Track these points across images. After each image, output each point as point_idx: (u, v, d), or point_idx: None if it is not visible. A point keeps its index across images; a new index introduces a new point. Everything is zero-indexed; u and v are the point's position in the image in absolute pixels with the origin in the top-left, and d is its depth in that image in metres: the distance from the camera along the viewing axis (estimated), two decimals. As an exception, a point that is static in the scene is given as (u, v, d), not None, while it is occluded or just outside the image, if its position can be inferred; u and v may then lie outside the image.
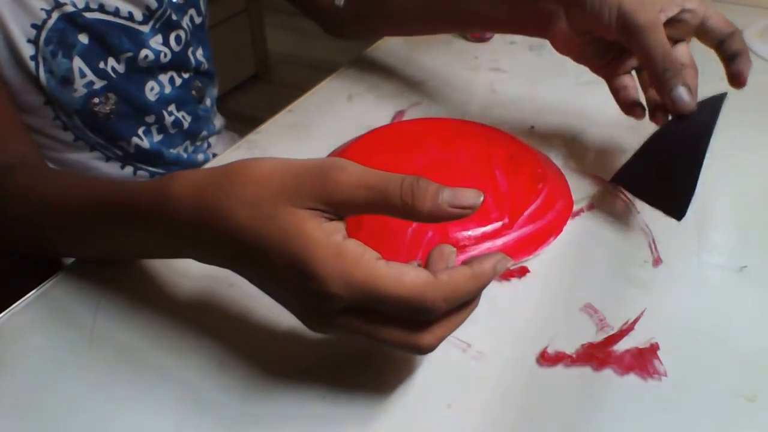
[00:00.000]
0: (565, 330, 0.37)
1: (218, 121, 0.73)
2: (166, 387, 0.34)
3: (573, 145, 0.55)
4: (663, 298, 0.40)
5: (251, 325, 0.38)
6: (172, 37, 0.58)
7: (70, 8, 0.49)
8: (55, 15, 0.49)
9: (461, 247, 0.42)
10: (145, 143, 0.60)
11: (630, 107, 0.47)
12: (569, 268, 0.42)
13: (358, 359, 0.36)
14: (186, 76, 0.62)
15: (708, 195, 0.50)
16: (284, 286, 0.29)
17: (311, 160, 0.29)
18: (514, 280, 0.41)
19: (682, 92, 0.41)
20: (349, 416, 0.33)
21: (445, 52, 0.74)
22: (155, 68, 0.58)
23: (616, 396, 0.34)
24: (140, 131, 0.59)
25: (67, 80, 0.51)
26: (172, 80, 0.61)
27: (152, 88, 0.59)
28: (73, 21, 0.50)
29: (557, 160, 0.53)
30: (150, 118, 0.59)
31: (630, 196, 0.49)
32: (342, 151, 0.53)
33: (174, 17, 0.58)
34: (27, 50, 0.49)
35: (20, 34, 0.48)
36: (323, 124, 0.59)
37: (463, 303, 0.29)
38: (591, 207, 0.48)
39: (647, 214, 0.47)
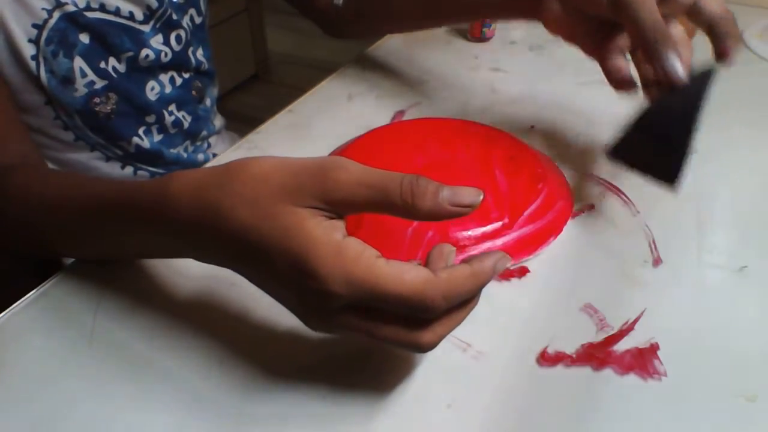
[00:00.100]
0: (565, 330, 0.37)
1: (218, 122, 0.73)
2: (166, 386, 0.34)
3: (573, 145, 0.55)
4: (663, 298, 0.40)
5: (251, 324, 0.38)
6: (172, 36, 0.58)
7: (71, 8, 0.49)
8: (56, 14, 0.49)
9: (461, 247, 0.42)
10: (146, 143, 0.60)
11: (621, 83, 0.45)
12: (569, 268, 0.42)
13: (358, 359, 0.36)
14: (186, 76, 0.62)
15: (708, 195, 0.50)
16: (284, 284, 0.29)
17: (311, 158, 0.29)
18: (514, 280, 0.41)
19: (674, 61, 0.40)
20: (350, 416, 0.33)
21: (445, 52, 0.74)
22: (156, 68, 0.58)
23: (616, 396, 0.34)
24: (140, 131, 0.59)
25: (68, 80, 0.51)
26: (172, 80, 0.61)
27: (153, 88, 0.59)
28: (74, 20, 0.50)
29: (557, 160, 0.53)
30: (150, 118, 0.59)
31: (629, 196, 0.49)
32: (342, 151, 0.53)
33: (174, 17, 0.58)
34: (28, 50, 0.49)
35: (21, 34, 0.48)
36: (323, 124, 0.59)
37: (463, 301, 0.29)
38: (591, 207, 0.48)
39: (647, 214, 0.47)
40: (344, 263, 0.27)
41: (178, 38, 0.59)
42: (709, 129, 0.58)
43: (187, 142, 0.66)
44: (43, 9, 0.48)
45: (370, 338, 0.29)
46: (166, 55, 0.58)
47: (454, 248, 0.31)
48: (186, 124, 0.64)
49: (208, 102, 0.68)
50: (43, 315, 0.39)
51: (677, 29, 0.44)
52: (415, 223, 0.43)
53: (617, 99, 0.64)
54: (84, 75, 0.52)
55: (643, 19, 0.39)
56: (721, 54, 0.43)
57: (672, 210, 0.48)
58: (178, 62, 0.60)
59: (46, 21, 0.49)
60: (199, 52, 0.64)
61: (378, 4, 0.64)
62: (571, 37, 0.48)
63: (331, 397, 0.34)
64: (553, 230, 0.45)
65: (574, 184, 0.50)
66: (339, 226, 0.28)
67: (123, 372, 0.35)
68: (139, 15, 0.55)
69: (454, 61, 0.71)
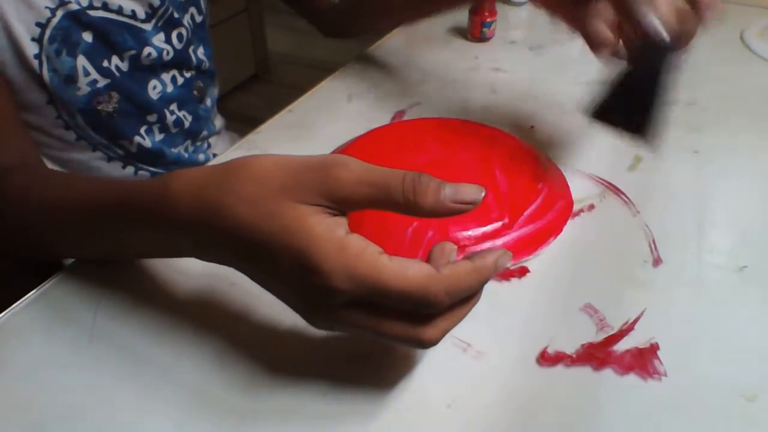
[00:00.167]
0: (565, 330, 0.37)
1: (218, 122, 0.73)
2: (167, 384, 0.34)
3: (573, 145, 0.55)
4: (663, 298, 0.40)
5: (252, 323, 0.38)
6: (174, 34, 0.58)
7: (74, 6, 0.49)
8: (59, 13, 0.49)
9: (461, 247, 0.42)
10: (147, 142, 0.60)
11: (599, 45, 0.45)
12: (569, 268, 0.42)
13: (358, 359, 0.36)
14: (188, 75, 0.63)
15: (708, 195, 0.50)
16: (287, 281, 0.29)
17: (313, 156, 0.29)
18: (514, 280, 0.41)
19: (652, 19, 0.41)
20: (350, 415, 0.33)
21: (445, 52, 0.74)
22: (158, 66, 0.58)
23: (616, 396, 0.34)
24: (142, 130, 0.59)
25: (70, 79, 0.51)
26: (174, 79, 0.61)
27: (155, 87, 0.59)
28: (78, 19, 0.50)
29: (557, 160, 0.53)
30: (152, 117, 0.59)
31: (629, 196, 0.49)
32: (342, 151, 0.53)
33: (176, 15, 0.58)
34: (31, 49, 0.49)
35: (24, 33, 0.48)
36: (323, 124, 0.59)
37: (465, 297, 0.29)
38: (591, 207, 0.48)
39: (647, 214, 0.47)
40: (347, 259, 0.27)
41: (180, 36, 0.59)
42: (709, 129, 0.59)
43: (188, 142, 0.65)
44: (46, 7, 0.48)
45: (373, 334, 0.29)
46: (168, 53, 0.58)
47: (455, 246, 0.31)
48: (187, 124, 0.64)
49: (208, 102, 0.68)
50: (43, 315, 0.39)
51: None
52: (415, 223, 0.43)
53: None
54: (87, 74, 0.52)
55: None
56: (697, 8, 0.45)
57: (672, 210, 0.48)
58: (180, 61, 0.60)
59: (49, 19, 0.49)
60: (200, 51, 0.64)
61: (372, 2, 0.64)
62: (553, 6, 0.48)
63: (332, 395, 0.34)
64: (553, 230, 0.45)
65: (574, 184, 0.50)
66: (342, 222, 0.28)
67: (123, 371, 0.35)
68: (141, 13, 0.55)
69: (454, 61, 0.71)
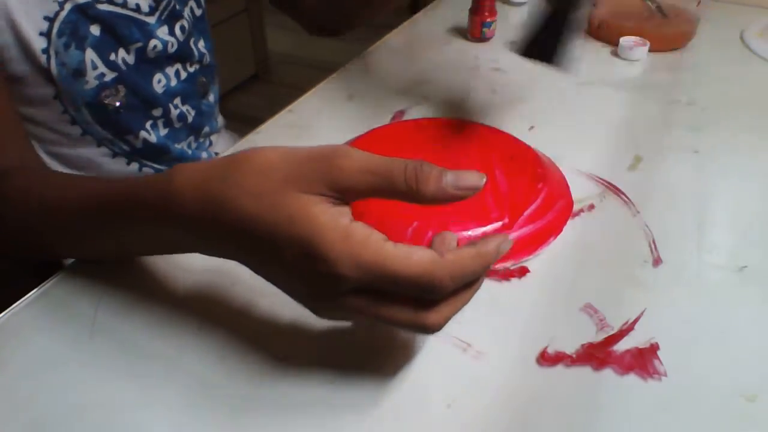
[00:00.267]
0: (565, 330, 0.37)
1: (219, 121, 0.73)
2: (169, 380, 0.34)
3: (573, 145, 0.55)
4: (663, 298, 0.40)
5: (254, 317, 0.38)
6: (177, 27, 0.59)
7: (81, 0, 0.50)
8: (67, 6, 0.49)
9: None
10: (152, 137, 0.60)
11: None
12: (569, 268, 0.42)
13: (358, 356, 0.36)
14: (191, 69, 0.63)
15: (708, 195, 0.50)
16: (292, 271, 0.29)
17: (315, 147, 0.29)
18: (514, 280, 0.41)
19: None
20: (349, 416, 0.33)
21: (445, 52, 0.74)
22: (162, 59, 0.59)
23: (616, 396, 0.34)
24: (148, 125, 0.60)
25: (79, 72, 0.52)
26: (177, 73, 0.61)
27: (159, 80, 0.59)
28: (85, 12, 0.51)
29: (557, 160, 0.53)
30: (157, 111, 0.60)
31: (629, 196, 0.49)
32: (342, 151, 0.53)
33: (177, 7, 0.59)
34: (39, 43, 0.49)
35: (31, 28, 0.48)
36: (323, 124, 0.59)
37: (468, 283, 0.29)
38: (591, 207, 0.48)
39: (647, 214, 0.47)
40: (352, 246, 0.27)
41: (182, 28, 0.60)
42: (709, 129, 0.59)
43: (191, 138, 0.66)
44: (54, 1, 0.49)
45: (378, 321, 0.29)
46: (172, 45, 0.59)
47: (456, 236, 0.32)
48: (190, 118, 0.64)
49: (211, 98, 0.69)
50: (43, 314, 0.39)
51: None
52: (415, 223, 0.43)
53: (617, 99, 0.65)
54: (95, 67, 0.53)
55: None
56: None
57: (672, 210, 0.48)
58: (183, 54, 0.61)
59: (57, 13, 0.49)
60: (201, 44, 0.64)
61: None
62: None
63: (331, 396, 0.34)
64: (553, 230, 0.45)
65: (574, 184, 0.50)
66: (345, 211, 0.28)
67: (124, 369, 0.35)
68: (144, 6, 0.55)
69: (454, 61, 0.71)
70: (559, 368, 0.35)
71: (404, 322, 0.29)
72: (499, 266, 0.42)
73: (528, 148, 0.53)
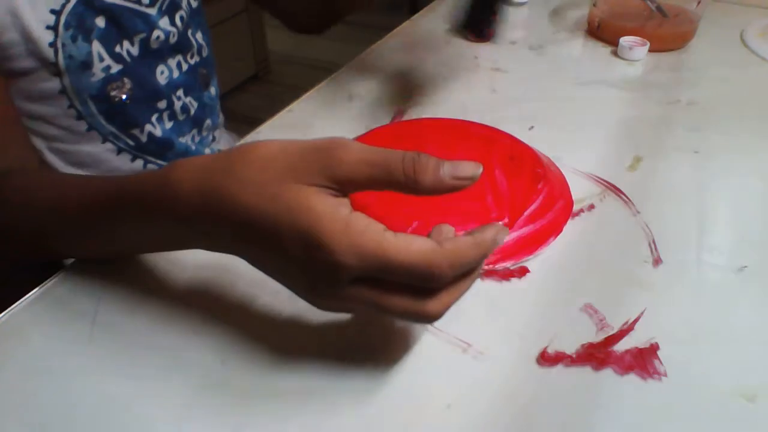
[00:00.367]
0: (565, 330, 0.37)
1: (221, 123, 0.74)
2: (169, 377, 0.34)
3: (573, 145, 0.55)
4: (663, 298, 0.40)
5: (253, 313, 0.38)
6: (177, 17, 0.60)
7: None
8: None
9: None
10: (158, 131, 0.61)
11: None
12: (569, 268, 0.42)
13: (358, 357, 0.36)
14: (191, 61, 0.64)
15: (708, 195, 0.50)
16: (292, 262, 0.29)
17: (314, 139, 0.29)
18: (514, 280, 0.41)
19: None
20: (349, 416, 0.33)
21: (445, 52, 0.74)
22: (164, 51, 0.59)
23: (616, 396, 0.34)
24: (153, 118, 0.60)
25: (86, 65, 0.52)
26: (179, 65, 0.62)
27: (162, 72, 0.60)
28: (91, 4, 0.51)
29: (557, 160, 0.53)
30: (162, 104, 0.60)
31: (629, 196, 0.49)
32: (342, 151, 0.53)
33: None
34: (45, 37, 0.49)
35: (38, 22, 0.49)
36: (323, 124, 0.59)
37: (466, 272, 0.30)
38: (591, 207, 0.48)
39: (647, 214, 0.47)
40: (352, 236, 0.27)
41: (181, 18, 0.61)
42: (709, 129, 0.59)
43: (194, 131, 0.66)
44: None
45: (378, 311, 0.29)
46: (173, 36, 0.59)
47: (453, 228, 0.32)
48: (193, 111, 0.65)
49: (212, 91, 0.69)
50: (44, 313, 0.39)
51: None
52: (415, 223, 0.43)
53: (617, 99, 0.65)
54: (101, 59, 0.53)
55: None
56: None
57: (672, 210, 0.48)
58: (183, 44, 0.62)
59: (63, 6, 0.50)
60: (199, 36, 0.65)
61: None
62: None
63: (331, 396, 0.34)
64: (553, 230, 0.45)
65: (574, 184, 0.50)
66: (345, 202, 0.29)
67: (126, 367, 0.35)
68: None
69: (454, 61, 0.71)
70: (559, 368, 0.35)
71: (404, 311, 0.29)
72: (499, 266, 0.42)
73: (528, 148, 0.53)
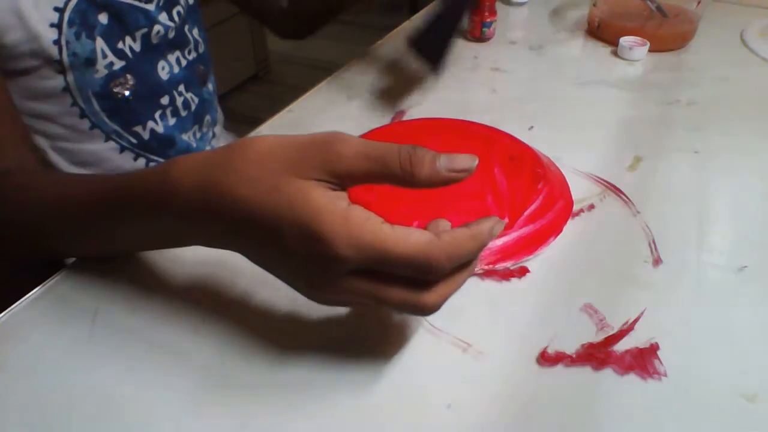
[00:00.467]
0: (565, 330, 0.37)
1: (220, 119, 0.74)
2: (171, 371, 0.34)
3: (573, 145, 0.55)
4: (663, 298, 0.40)
5: (253, 309, 0.38)
6: (174, 12, 0.60)
7: None
8: None
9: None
10: (160, 127, 0.61)
11: None
12: (569, 268, 0.42)
13: (358, 352, 0.36)
14: (189, 57, 0.64)
15: (708, 195, 0.50)
16: (291, 255, 0.29)
17: (311, 134, 0.29)
18: (514, 280, 0.41)
19: None
20: (348, 415, 0.33)
21: (445, 52, 0.74)
22: (164, 46, 0.60)
23: (616, 396, 0.34)
24: (157, 115, 0.61)
25: (90, 62, 0.53)
26: (178, 61, 0.63)
27: (163, 67, 0.60)
28: (93, 1, 0.52)
29: (557, 160, 0.53)
30: (164, 100, 0.61)
31: (629, 196, 0.49)
32: (342, 151, 0.53)
33: None
34: (49, 35, 0.50)
35: (42, 21, 0.49)
36: (323, 124, 0.59)
37: (463, 265, 0.30)
38: (591, 207, 0.48)
39: (647, 214, 0.47)
40: (351, 228, 0.27)
41: (179, 14, 0.61)
42: (709, 129, 0.59)
43: (196, 127, 0.67)
44: None
45: (376, 303, 0.29)
46: (172, 31, 0.60)
47: (450, 222, 0.32)
48: (194, 106, 0.65)
49: (210, 87, 0.70)
50: (44, 313, 0.39)
51: None
52: (416, 223, 0.43)
53: (617, 99, 0.65)
54: (104, 56, 0.54)
55: None
56: None
57: (672, 210, 0.48)
58: (181, 40, 0.62)
59: (67, 3, 0.50)
60: (195, 32, 0.65)
61: (311, 5, 0.72)
62: None
63: (331, 396, 0.34)
64: (553, 230, 0.45)
65: (574, 184, 0.50)
66: (343, 196, 0.29)
67: (126, 365, 0.35)
68: None
69: (454, 61, 0.71)
70: (559, 368, 0.35)
71: (402, 303, 0.29)
72: (499, 266, 0.42)
73: (528, 148, 0.53)
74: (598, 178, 0.51)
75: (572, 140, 0.56)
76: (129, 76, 0.56)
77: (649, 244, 0.44)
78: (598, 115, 0.61)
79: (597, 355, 0.36)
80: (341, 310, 0.38)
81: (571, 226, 0.46)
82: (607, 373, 0.35)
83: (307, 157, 0.28)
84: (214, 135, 0.72)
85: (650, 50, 0.72)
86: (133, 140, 0.60)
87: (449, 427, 0.32)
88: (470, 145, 0.52)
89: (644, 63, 0.72)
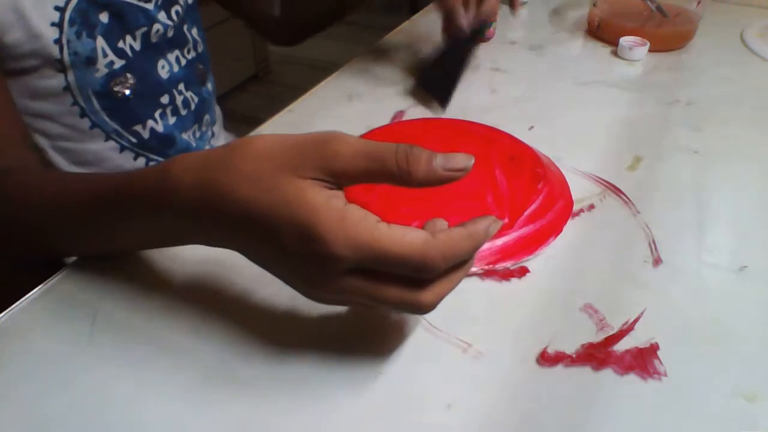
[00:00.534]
0: (565, 330, 0.37)
1: (218, 118, 0.74)
2: (171, 369, 0.34)
3: (573, 145, 0.55)
4: (663, 298, 0.40)
5: (252, 306, 0.38)
6: (173, 11, 0.61)
7: None
8: None
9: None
10: (160, 126, 0.61)
11: (448, 29, 0.63)
12: (569, 268, 0.42)
13: (357, 350, 0.36)
14: (189, 56, 0.64)
15: (708, 195, 0.50)
16: (288, 254, 0.29)
17: (309, 133, 0.30)
18: (514, 280, 0.41)
19: (460, 20, 0.61)
20: (350, 413, 0.33)
21: (445, 52, 0.74)
22: (163, 45, 0.60)
23: (616, 396, 0.34)
24: (157, 114, 0.61)
25: (91, 61, 0.53)
26: (178, 60, 0.63)
27: (163, 66, 0.61)
28: (93, 0, 0.52)
29: (557, 160, 0.53)
30: (164, 99, 0.61)
31: (629, 196, 0.49)
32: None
33: None
34: (50, 34, 0.50)
35: (43, 20, 0.49)
36: (323, 124, 0.59)
37: (459, 264, 0.30)
38: (591, 207, 0.48)
39: (647, 214, 0.47)
40: (347, 227, 0.27)
41: (177, 13, 0.61)
42: (709, 129, 0.59)
43: (195, 126, 0.67)
44: None
45: (373, 302, 0.30)
46: (171, 30, 0.60)
47: (446, 222, 0.32)
48: (193, 105, 0.65)
49: (209, 86, 0.70)
50: (45, 312, 0.39)
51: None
52: (415, 223, 0.43)
53: (617, 99, 0.65)
54: (105, 55, 0.54)
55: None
56: (512, 5, 0.68)
57: (672, 210, 0.48)
58: (180, 39, 0.62)
59: (68, 2, 0.50)
60: (194, 31, 0.66)
61: (302, 16, 0.75)
62: None
63: (330, 396, 0.34)
64: (553, 230, 0.45)
65: (574, 184, 0.50)
66: (339, 195, 0.29)
67: (126, 364, 0.35)
68: None
69: (454, 61, 0.71)
70: (559, 368, 0.35)
71: (398, 302, 0.29)
72: (499, 266, 0.42)
73: (528, 148, 0.53)
74: (598, 178, 0.51)
75: (572, 140, 0.56)
76: (129, 75, 0.56)
77: (649, 244, 0.44)
78: (598, 115, 0.61)
79: (597, 355, 0.36)
80: (341, 309, 0.38)
81: (571, 226, 0.46)
82: (607, 373, 0.35)
83: (304, 156, 0.29)
84: (213, 134, 0.72)
85: (650, 50, 0.72)
86: (133, 139, 0.60)
87: (449, 427, 0.32)
88: (470, 145, 0.52)
89: (644, 63, 0.72)
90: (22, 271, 0.48)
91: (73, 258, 0.43)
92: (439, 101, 0.61)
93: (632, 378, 0.35)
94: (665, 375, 0.35)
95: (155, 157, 0.62)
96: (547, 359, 0.36)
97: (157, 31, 0.58)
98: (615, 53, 0.74)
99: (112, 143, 0.59)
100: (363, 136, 0.54)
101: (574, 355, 0.36)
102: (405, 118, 0.60)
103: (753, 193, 0.50)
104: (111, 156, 0.59)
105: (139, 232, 0.37)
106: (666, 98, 0.64)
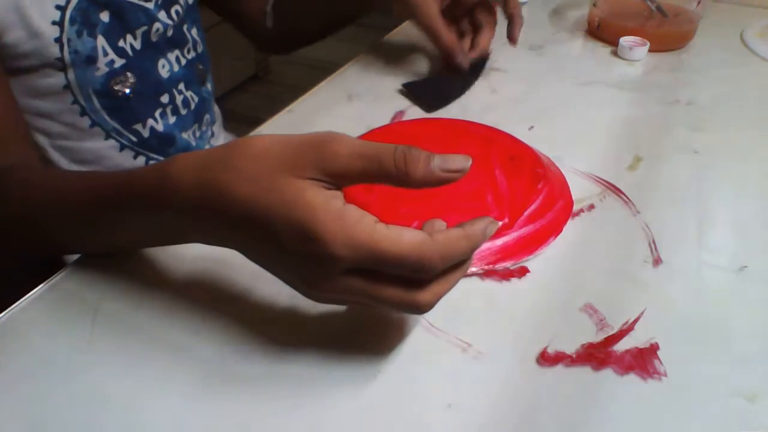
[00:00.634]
0: (565, 330, 0.37)
1: (218, 118, 0.74)
2: (171, 367, 0.34)
3: (573, 145, 0.55)
4: (663, 298, 0.40)
5: (252, 304, 0.38)
6: (173, 11, 0.61)
7: None
8: None
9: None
10: (160, 125, 0.61)
11: (447, 68, 0.65)
12: (569, 268, 0.42)
13: (357, 349, 0.36)
14: (189, 56, 0.65)
15: (708, 195, 0.50)
16: (287, 254, 0.29)
17: (308, 133, 0.30)
18: (514, 280, 0.41)
19: (461, 59, 0.63)
20: (349, 413, 0.33)
21: (445, 52, 0.74)
22: (163, 45, 0.60)
23: (616, 396, 0.34)
24: (157, 113, 0.61)
25: (91, 60, 0.53)
26: (178, 59, 0.63)
27: (164, 66, 0.61)
28: None
29: (557, 160, 0.53)
30: (164, 98, 0.61)
31: (629, 196, 0.49)
32: (342, 151, 0.53)
33: None
34: (51, 33, 0.50)
35: (44, 18, 0.49)
36: (323, 124, 0.59)
37: (456, 264, 0.30)
38: (591, 207, 0.48)
39: (647, 214, 0.47)
40: (345, 227, 0.28)
41: (177, 13, 0.61)
42: (709, 129, 0.59)
43: (195, 126, 0.67)
44: None
45: (371, 302, 0.30)
46: (171, 29, 0.60)
47: (445, 223, 0.32)
48: (193, 105, 0.66)
49: (209, 86, 0.70)
50: (45, 312, 0.39)
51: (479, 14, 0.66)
52: (415, 223, 0.43)
53: (617, 99, 0.65)
54: (105, 54, 0.54)
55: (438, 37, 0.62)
56: (510, 39, 0.66)
57: (672, 210, 0.48)
58: (179, 39, 0.62)
59: (68, 1, 0.50)
60: (194, 31, 0.66)
61: (294, 28, 0.76)
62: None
63: (330, 396, 0.34)
64: (553, 230, 0.45)
65: (574, 184, 0.50)
66: (338, 195, 0.29)
67: (126, 363, 0.35)
68: None
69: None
70: (559, 368, 0.35)
71: (396, 302, 0.30)
72: (499, 266, 0.42)
73: (528, 148, 0.53)
74: (598, 178, 0.51)
75: (572, 140, 0.56)
76: (129, 74, 0.56)
77: (649, 244, 0.44)
78: (598, 115, 0.61)
79: (597, 355, 0.36)
80: (340, 308, 0.38)
81: (571, 226, 0.46)
82: (607, 373, 0.35)
83: (303, 156, 0.29)
84: (213, 134, 0.72)
85: (650, 50, 0.72)
86: (133, 138, 0.60)
87: (449, 427, 0.32)
88: (470, 145, 0.52)
89: (644, 63, 0.72)
90: (23, 271, 0.48)
91: (74, 257, 0.43)
92: (425, 107, 0.62)
93: (632, 378, 0.35)
94: (665, 375, 0.35)
95: (155, 156, 0.62)
96: (547, 359, 0.36)
97: (158, 30, 0.58)
98: (615, 53, 0.74)
99: (112, 142, 0.59)
100: (363, 136, 0.54)
101: (574, 355, 0.36)
102: (405, 118, 0.60)
103: (753, 193, 0.50)
104: (111, 155, 0.59)
105: (138, 231, 0.37)
106: (666, 98, 0.64)
